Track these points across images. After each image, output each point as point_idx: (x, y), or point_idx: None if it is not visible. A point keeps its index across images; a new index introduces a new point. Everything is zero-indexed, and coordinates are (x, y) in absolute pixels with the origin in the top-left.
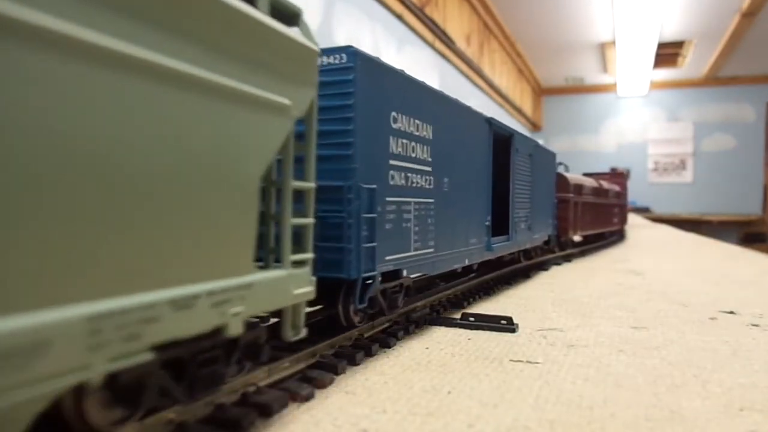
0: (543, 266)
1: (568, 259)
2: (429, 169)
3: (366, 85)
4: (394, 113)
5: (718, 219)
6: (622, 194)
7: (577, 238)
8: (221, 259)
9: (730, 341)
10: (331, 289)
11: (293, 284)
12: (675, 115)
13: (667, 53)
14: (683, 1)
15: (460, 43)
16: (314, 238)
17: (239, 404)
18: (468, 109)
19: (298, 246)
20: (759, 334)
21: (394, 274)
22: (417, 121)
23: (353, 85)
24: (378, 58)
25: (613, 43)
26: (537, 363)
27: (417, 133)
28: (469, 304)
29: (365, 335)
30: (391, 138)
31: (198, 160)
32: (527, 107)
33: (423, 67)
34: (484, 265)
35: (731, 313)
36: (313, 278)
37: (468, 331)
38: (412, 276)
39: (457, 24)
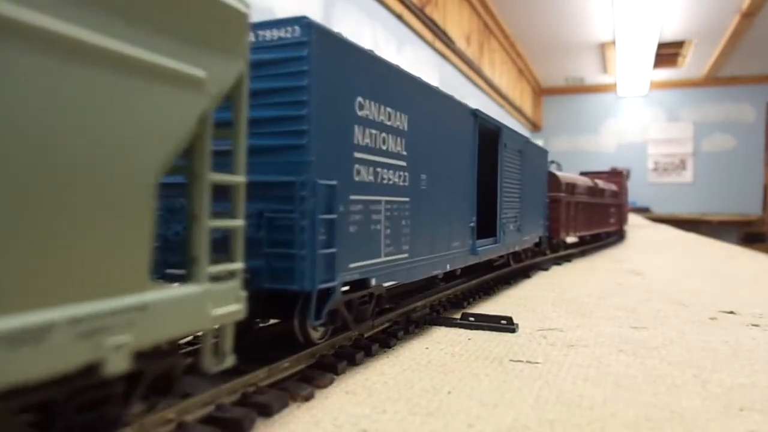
0: (535, 269)
1: (568, 259)
2: (403, 164)
3: (324, 63)
4: (360, 99)
5: (718, 219)
6: (619, 194)
7: (571, 239)
8: (96, 275)
9: (730, 341)
10: (287, 300)
11: (212, 303)
12: (675, 115)
13: (667, 53)
14: (683, 1)
15: (460, 43)
16: (263, 243)
17: (239, 404)
18: (450, 99)
19: (224, 254)
20: (759, 334)
21: (362, 284)
22: (389, 110)
23: (308, 62)
24: (339, 33)
25: (613, 43)
26: (537, 363)
27: (389, 123)
28: (469, 304)
29: (365, 335)
30: (356, 127)
31: (59, 143)
32: (527, 107)
33: (423, 67)
34: (470, 269)
35: (731, 313)
36: (243, 294)
37: (468, 331)
38: (385, 284)
39: (457, 24)
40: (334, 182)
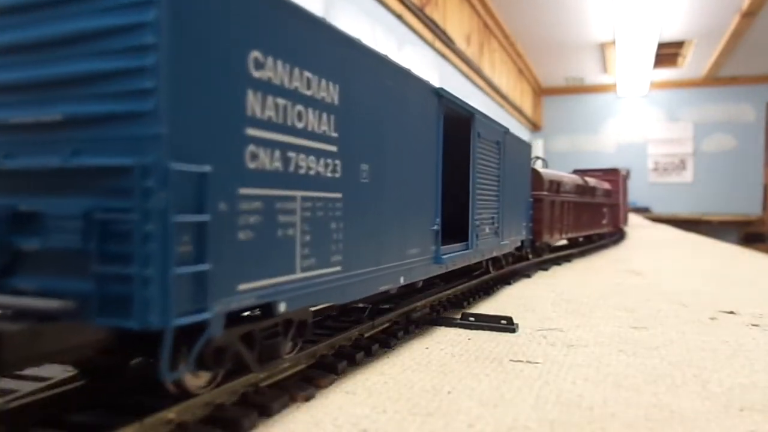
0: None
1: (568, 259)
2: (333, 148)
3: None
4: (256, 54)
5: (718, 219)
6: (613, 192)
7: (557, 242)
8: None
9: (730, 341)
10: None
11: None
12: (675, 115)
13: (667, 53)
14: (683, 1)
15: (460, 43)
16: (92, 257)
17: (239, 404)
18: (407, 73)
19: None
20: (759, 334)
21: (267, 309)
22: (307, 75)
23: None
24: None
25: (613, 43)
26: (537, 363)
27: (307, 93)
28: (469, 304)
29: (365, 335)
30: (249, 92)
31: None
32: (527, 107)
33: (423, 67)
34: (445, 277)
35: (731, 313)
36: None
37: (468, 331)
38: (312, 308)
39: (457, 24)
40: (207, 168)
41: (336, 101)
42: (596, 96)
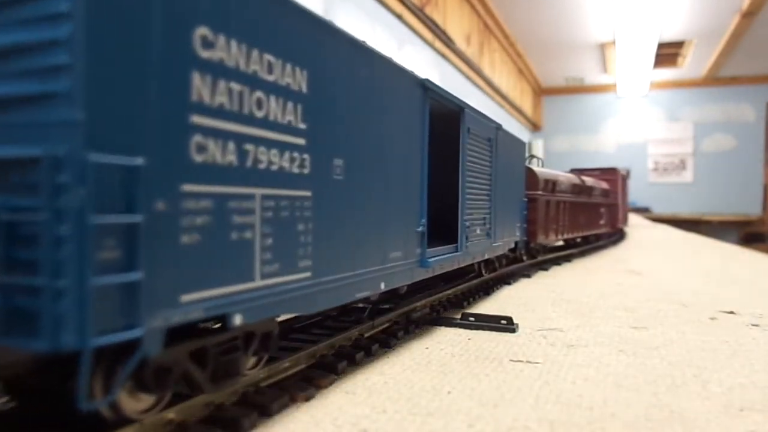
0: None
1: (568, 259)
2: (301, 141)
3: None
4: (204, 30)
5: (718, 219)
6: (611, 192)
7: (553, 243)
8: None
9: (730, 341)
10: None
11: None
12: (675, 115)
13: (667, 53)
14: (683, 1)
15: (460, 43)
16: None
17: (239, 404)
18: (387, 62)
19: None
20: (759, 334)
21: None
22: (269, 58)
23: None
24: None
25: (613, 43)
26: (537, 363)
27: (269, 78)
28: (469, 304)
29: (365, 335)
30: (195, 75)
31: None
32: (527, 107)
33: (423, 67)
34: (430, 282)
35: (731, 313)
36: None
37: (468, 331)
38: (280, 318)
39: (457, 24)
40: (138, 161)
41: (304, 89)
42: (596, 96)
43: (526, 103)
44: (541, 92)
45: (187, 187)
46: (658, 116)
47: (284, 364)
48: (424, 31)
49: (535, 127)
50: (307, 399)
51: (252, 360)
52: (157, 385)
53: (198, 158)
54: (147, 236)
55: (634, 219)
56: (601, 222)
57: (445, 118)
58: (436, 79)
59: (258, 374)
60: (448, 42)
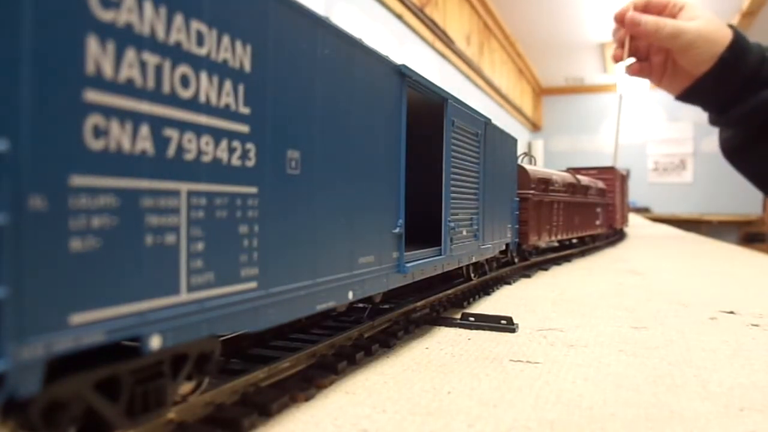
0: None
1: (568, 259)
2: (244, 128)
3: None
4: None
5: (718, 219)
6: (607, 192)
7: (546, 244)
8: None
9: (730, 341)
10: None
11: None
12: (675, 115)
13: None
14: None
15: (460, 43)
16: None
17: (239, 404)
18: (357, 44)
19: None
20: (759, 334)
21: (133, 346)
22: (198, 26)
23: None
24: None
25: (613, 43)
26: (537, 363)
27: (199, 51)
28: (469, 304)
29: (365, 335)
30: (90, 40)
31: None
32: (527, 107)
33: (423, 67)
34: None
35: (731, 313)
36: None
37: (468, 331)
38: (218, 338)
39: (457, 24)
40: (1, 145)
41: (247, 67)
42: (596, 96)
43: (526, 103)
44: (541, 92)
45: (79, 180)
46: (658, 116)
47: (284, 364)
48: (424, 31)
49: (535, 127)
50: (307, 399)
51: (189, 385)
52: (49, 426)
53: (95, 144)
54: (15, 242)
55: (634, 219)
56: (597, 222)
57: (428, 109)
58: (437, 78)
59: (258, 375)
60: (448, 42)
